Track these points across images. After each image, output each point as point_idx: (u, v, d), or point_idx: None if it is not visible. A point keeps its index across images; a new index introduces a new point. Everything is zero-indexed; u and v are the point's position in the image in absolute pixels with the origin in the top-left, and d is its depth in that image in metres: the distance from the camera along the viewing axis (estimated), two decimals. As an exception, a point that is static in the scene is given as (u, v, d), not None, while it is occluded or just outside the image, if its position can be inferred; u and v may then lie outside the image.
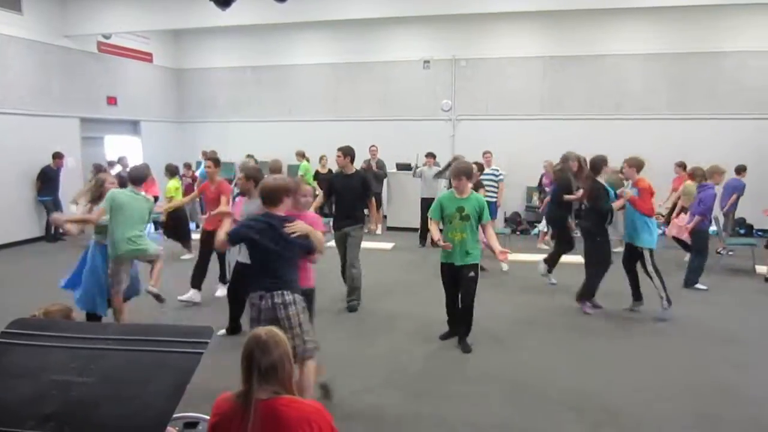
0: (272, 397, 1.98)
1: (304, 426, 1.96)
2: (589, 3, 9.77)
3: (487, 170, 9.88)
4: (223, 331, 5.39)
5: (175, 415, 2.58)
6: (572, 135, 11.87)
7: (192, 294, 6.47)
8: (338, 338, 5.44)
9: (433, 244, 5.26)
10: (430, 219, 5.15)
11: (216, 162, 6.52)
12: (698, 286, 7.21)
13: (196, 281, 6.49)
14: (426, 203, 10.10)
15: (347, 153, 6.29)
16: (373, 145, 11.53)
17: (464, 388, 4.41)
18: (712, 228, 10.19)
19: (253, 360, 1.98)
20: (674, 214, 8.77)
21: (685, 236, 8.11)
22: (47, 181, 10.27)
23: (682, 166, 9.71)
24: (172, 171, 9.22)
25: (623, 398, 4.21)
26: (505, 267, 7.91)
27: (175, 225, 9.00)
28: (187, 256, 8.82)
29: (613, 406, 4.09)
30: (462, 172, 4.98)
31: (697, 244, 7.28)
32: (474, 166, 5.72)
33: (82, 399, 1.18)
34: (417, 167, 10.42)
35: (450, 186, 5.41)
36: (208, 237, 6.13)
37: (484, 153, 10.00)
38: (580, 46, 11.94)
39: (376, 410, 4.06)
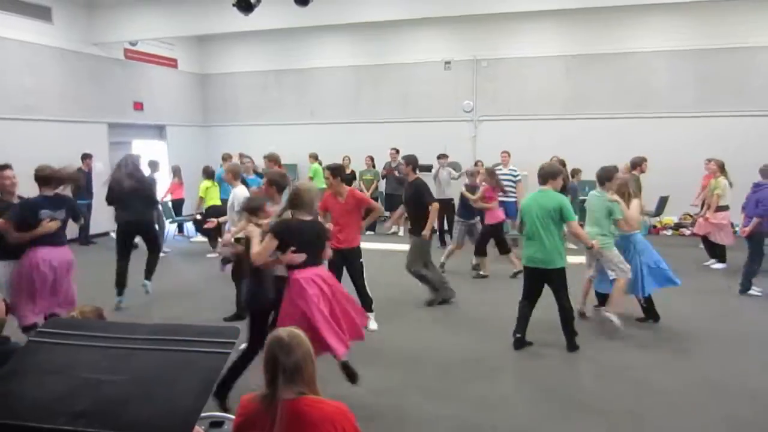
0: (297, 398, 2.01)
1: (327, 426, 1.98)
2: (612, 0, 9.63)
3: (505, 170, 9.81)
4: (244, 345, 5.16)
5: (201, 415, 2.64)
6: (596, 134, 11.74)
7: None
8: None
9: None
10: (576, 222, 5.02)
11: (336, 172, 5.56)
12: (752, 291, 6.85)
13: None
14: (441, 204, 10.10)
15: (410, 162, 6.61)
16: (392, 149, 11.52)
17: (486, 390, 4.39)
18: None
19: (278, 361, 2.00)
20: (703, 212, 8.60)
21: (723, 239, 7.92)
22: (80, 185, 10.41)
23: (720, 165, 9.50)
24: (208, 173, 9.85)
25: (649, 402, 4.14)
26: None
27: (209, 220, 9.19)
28: (212, 255, 9.13)
29: (638, 410, 4.02)
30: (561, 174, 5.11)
31: (753, 247, 6.86)
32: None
33: (112, 397, 1.21)
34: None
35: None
36: (336, 256, 5.35)
37: (502, 153, 9.94)
38: (603, 44, 11.78)
39: (397, 411, 4.06)
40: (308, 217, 3.89)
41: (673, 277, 5.63)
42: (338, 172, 5.58)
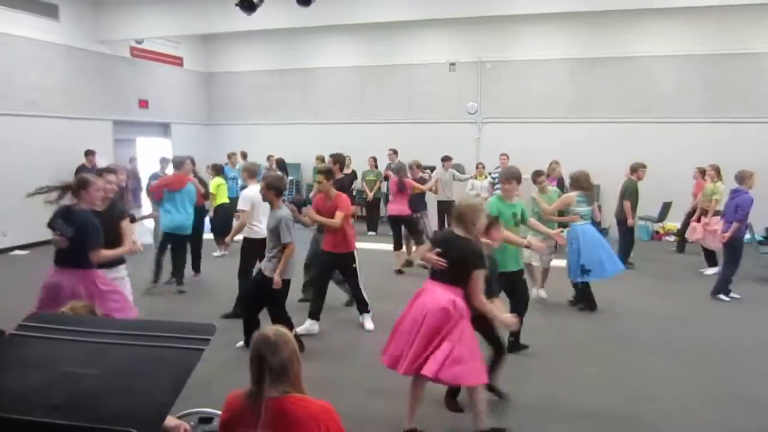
0: (282, 396, 2.03)
1: (311, 425, 2.00)
2: (618, 4, 9.61)
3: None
4: (241, 344, 5.10)
5: (190, 410, 2.66)
6: (600, 138, 11.72)
7: (309, 325, 5.64)
8: (357, 338, 5.47)
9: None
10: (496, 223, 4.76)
11: (329, 174, 5.56)
12: (722, 296, 6.93)
13: (314, 310, 5.70)
14: (441, 206, 10.14)
15: (337, 160, 6.56)
16: (390, 149, 11.52)
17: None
18: (747, 236, 9.93)
19: (264, 360, 2.02)
20: (694, 218, 8.63)
21: (715, 245, 7.90)
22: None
23: (702, 172, 9.59)
24: (217, 170, 9.74)
25: (642, 409, 4.13)
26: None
27: (218, 220, 9.18)
28: (218, 253, 9.09)
29: (633, 416, 4.02)
30: (513, 177, 5.00)
31: (730, 253, 6.95)
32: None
33: (89, 390, 1.24)
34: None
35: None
36: (328, 258, 5.62)
37: (501, 156, 9.97)
38: (608, 48, 11.76)
39: (391, 412, 4.06)
40: (463, 234, 3.59)
41: (581, 274, 6.10)
42: (331, 175, 5.60)
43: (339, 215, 5.38)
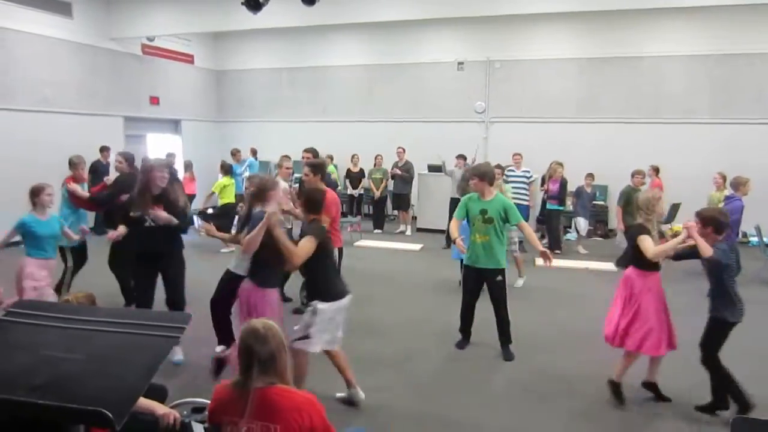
0: (267, 386, 2.09)
1: (295, 414, 2.06)
2: (627, 4, 9.54)
3: (518, 172, 9.79)
4: (221, 348, 4.77)
5: (184, 400, 2.73)
6: (609, 138, 11.67)
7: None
8: (359, 337, 5.52)
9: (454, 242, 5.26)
10: (454, 219, 5.09)
11: (316, 169, 5.08)
12: None
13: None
14: (455, 204, 10.13)
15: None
16: (399, 147, 11.59)
17: (476, 390, 4.43)
18: (755, 239, 9.85)
19: (253, 351, 2.08)
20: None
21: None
22: (98, 176, 10.65)
23: (656, 170, 9.75)
24: (226, 169, 9.78)
25: (638, 408, 4.14)
26: (519, 283, 7.43)
27: (222, 216, 9.25)
28: (225, 250, 9.15)
29: (627, 417, 4.03)
30: (475, 174, 4.95)
31: None
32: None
33: (68, 373, 1.31)
34: (445, 166, 10.46)
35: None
36: None
37: (514, 155, 9.94)
38: (617, 48, 11.68)
39: (385, 408, 4.12)
40: (639, 222, 4.28)
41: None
42: (319, 169, 5.12)
43: (325, 221, 4.76)
